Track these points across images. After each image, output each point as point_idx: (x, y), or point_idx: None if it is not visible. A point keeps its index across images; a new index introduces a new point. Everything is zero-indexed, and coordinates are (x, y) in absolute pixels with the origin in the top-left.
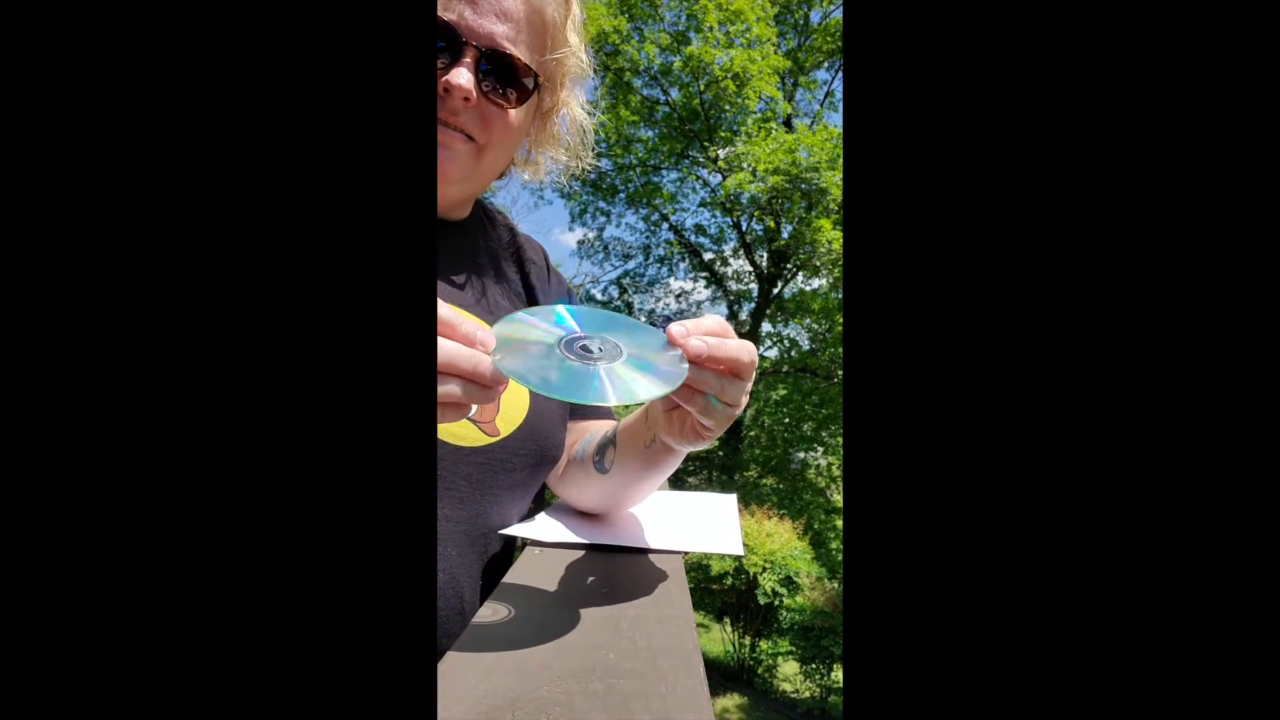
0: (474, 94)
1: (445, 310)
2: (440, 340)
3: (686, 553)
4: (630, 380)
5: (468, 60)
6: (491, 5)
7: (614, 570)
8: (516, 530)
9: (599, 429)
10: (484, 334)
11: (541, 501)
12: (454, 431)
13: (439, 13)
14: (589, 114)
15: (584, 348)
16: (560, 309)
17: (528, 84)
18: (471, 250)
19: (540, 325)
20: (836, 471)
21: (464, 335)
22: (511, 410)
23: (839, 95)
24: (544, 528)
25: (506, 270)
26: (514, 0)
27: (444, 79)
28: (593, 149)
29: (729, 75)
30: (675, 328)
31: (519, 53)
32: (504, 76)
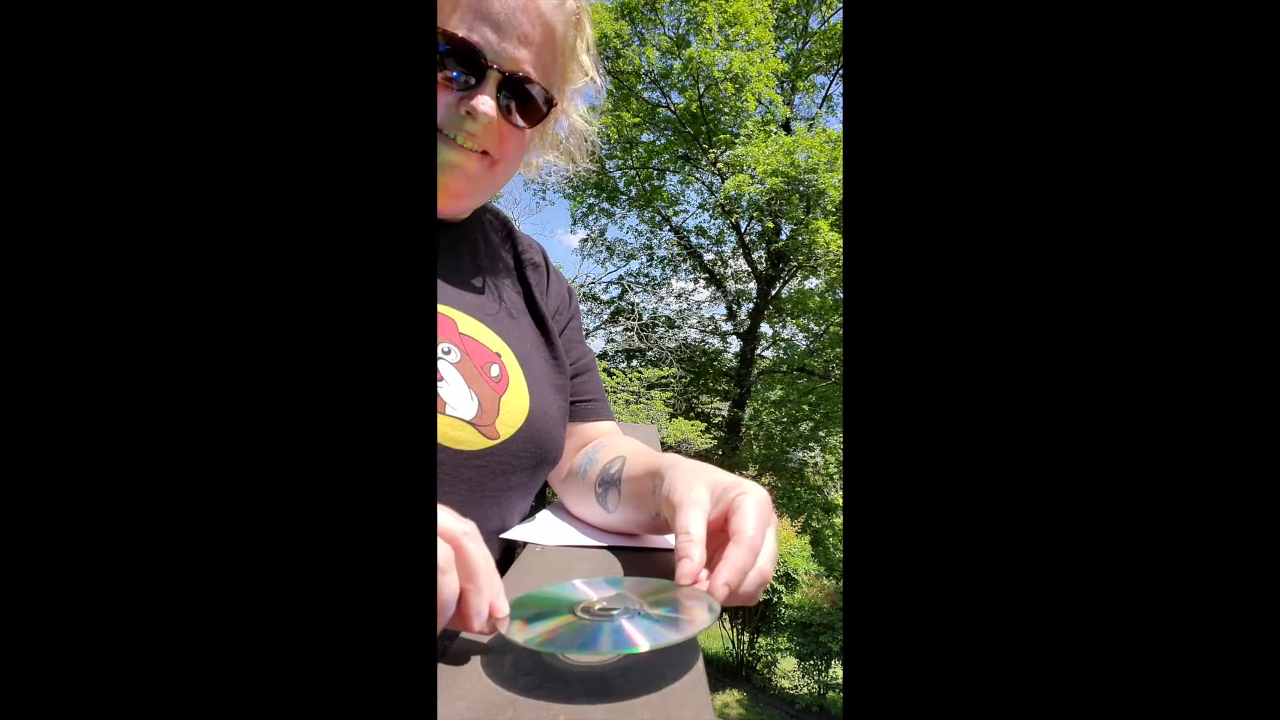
0: (496, 120)
1: (474, 555)
2: (450, 583)
3: None
4: (652, 627)
5: (490, 85)
6: (515, 30)
7: (614, 567)
8: (517, 534)
9: (604, 443)
10: (499, 601)
11: (543, 499)
12: (453, 435)
13: (464, 34)
14: (589, 122)
15: (602, 609)
16: (577, 582)
17: (542, 105)
18: (471, 250)
19: (554, 594)
20: (834, 470)
21: (478, 595)
22: (512, 413)
23: (837, 99)
24: (544, 529)
25: (506, 267)
26: (535, 25)
27: (468, 104)
28: (593, 153)
29: (728, 77)
30: (710, 574)
31: (536, 75)
32: (523, 99)
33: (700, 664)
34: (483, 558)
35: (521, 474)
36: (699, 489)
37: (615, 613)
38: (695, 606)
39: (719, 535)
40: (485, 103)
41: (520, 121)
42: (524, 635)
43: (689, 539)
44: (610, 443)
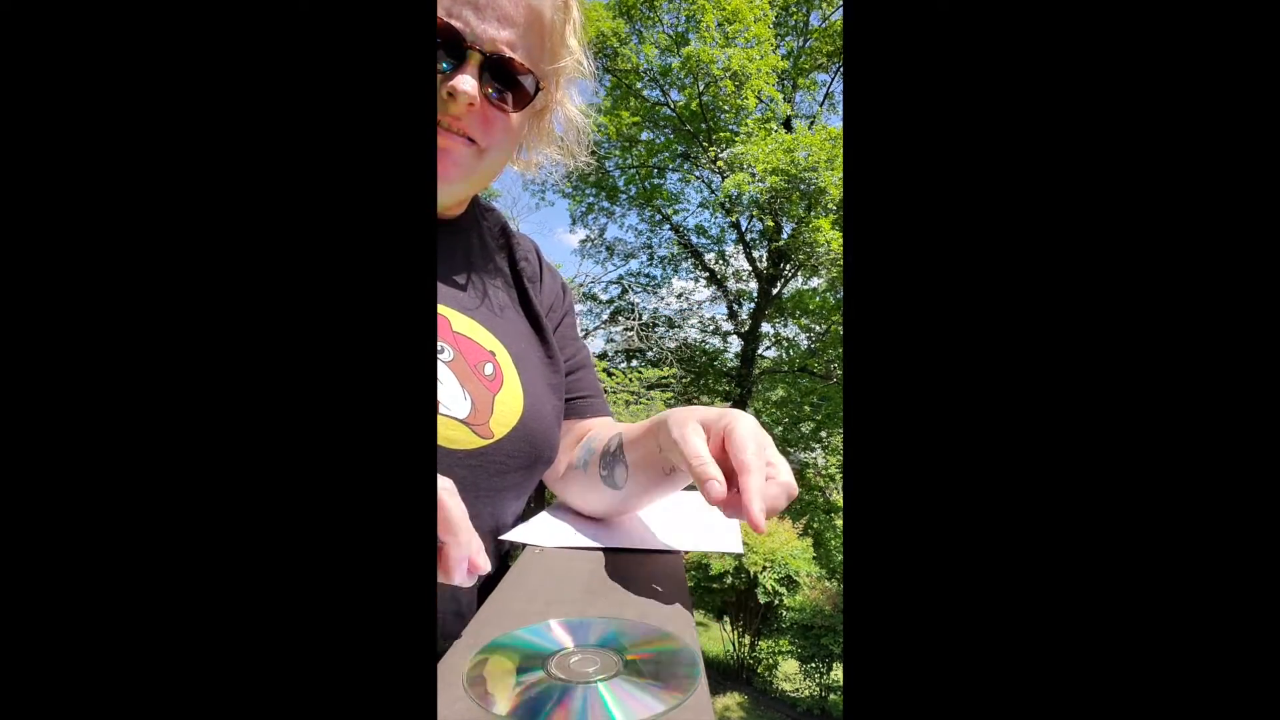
0: (478, 100)
1: (451, 510)
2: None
3: (686, 552)
4: (627, 699)
5: (472, 66)
6: (494, 10)
7: (613, 569)
8: (516, 535)
9: (598, 432)
10: (479, 558)
11: (541, 500)
12: (447, 435)
13: (443, 17)
14: (585, 114)
15: (579, 662)
16: (555, 623)
17: (528, 88)
18: (466, 247)
19: (530, 641)
20: (835, 471)
21: (458, 552)
22: (506, 412)
23: (838, 96)
24: (543, 531)
25: (500, 265)
26: (516, 5)
27: (449, 84)
28: (588, 148)
29: (728, 75)
30: (747, 486)
31: (520, 57)
32: (506, 81)
33: (701, 666)
34: (460, 513)
35: (516, 473)
36: (693, 424)
37: (591, 671)
38: (678, 673)
39: (723, 463)
40: (466, 81)
41: (504, 103)
42: (494, 693)
43: (702, 461)
44: (601, 432)
